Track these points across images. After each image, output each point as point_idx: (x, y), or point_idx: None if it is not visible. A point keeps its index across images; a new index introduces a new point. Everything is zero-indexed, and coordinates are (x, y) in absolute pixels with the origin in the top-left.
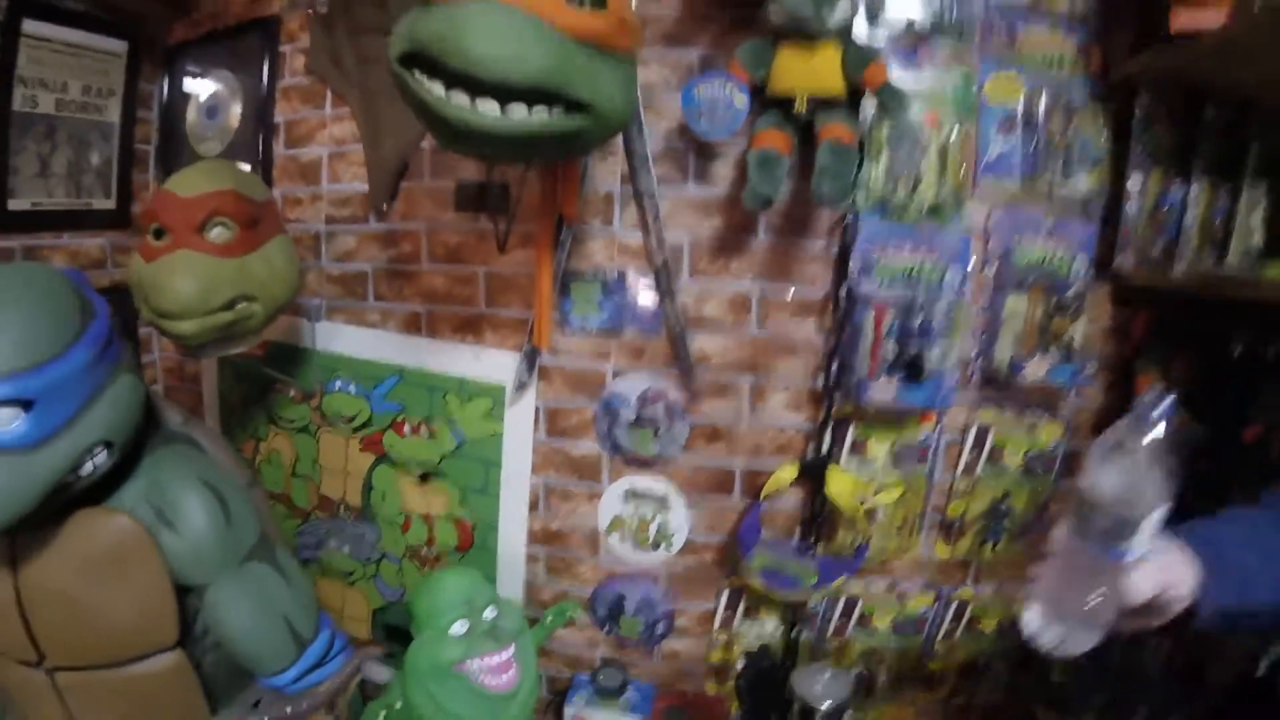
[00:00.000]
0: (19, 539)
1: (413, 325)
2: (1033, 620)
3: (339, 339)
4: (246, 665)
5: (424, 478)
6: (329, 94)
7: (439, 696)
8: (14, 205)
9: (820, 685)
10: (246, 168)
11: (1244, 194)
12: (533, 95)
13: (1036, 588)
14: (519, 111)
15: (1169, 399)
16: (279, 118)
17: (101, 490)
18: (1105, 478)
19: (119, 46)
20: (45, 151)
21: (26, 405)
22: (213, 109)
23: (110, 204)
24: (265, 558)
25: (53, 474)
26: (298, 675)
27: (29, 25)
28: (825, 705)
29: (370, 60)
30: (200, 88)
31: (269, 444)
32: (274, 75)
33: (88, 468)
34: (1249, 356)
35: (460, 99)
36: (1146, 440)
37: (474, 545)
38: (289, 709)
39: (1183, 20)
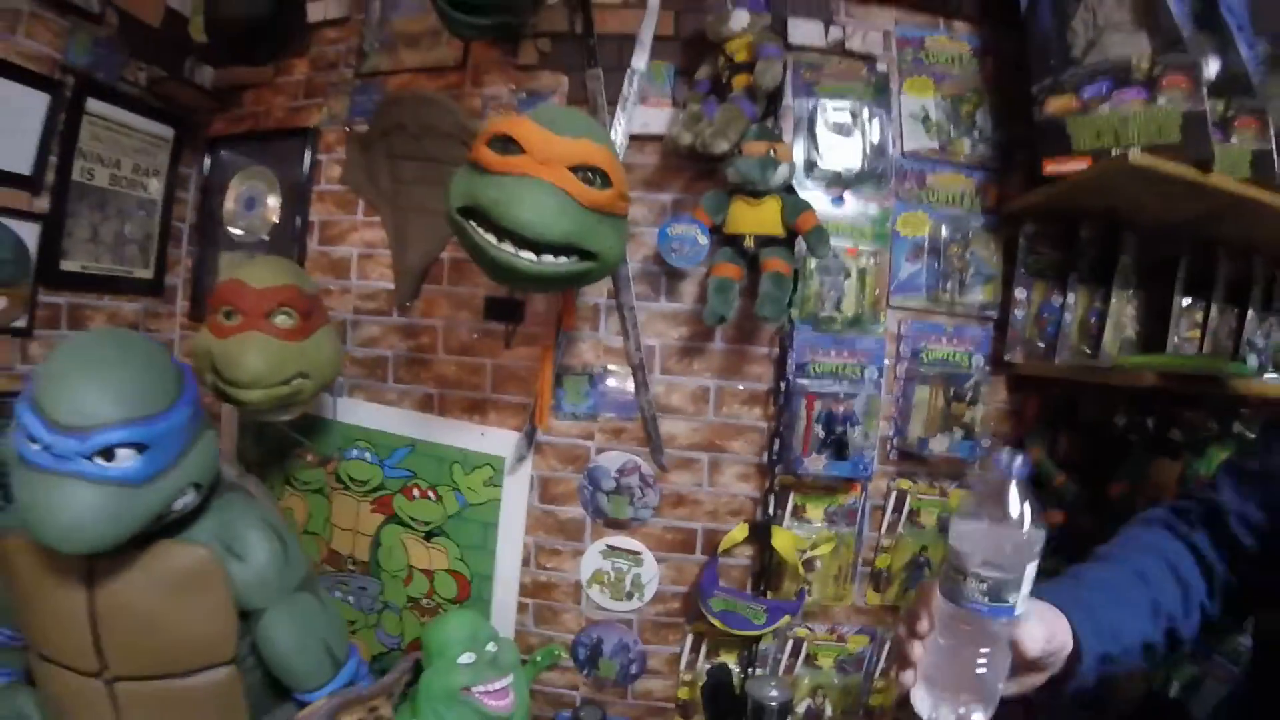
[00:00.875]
0: (98, 562)
1: (426, 405)
2: (922, 701)
3: (359, 413)
4: (290, 682)
5: (428, 536)
6: (361, 202)
7: (447, 718)
8: (65, 265)
9: (769, 688)
10: (288, 264)
11: (1113, 297)
12: (559, 248)
13: (920, 667)
14: (549, 259)
15: (1020, 457)
16: (314, 217)
17: (175, 526)
18: (978, 541)
19: (166, 132)
20: (97, 220)
21: (141, 448)
22: (251, 200)
23: (148, 274)
24: (311, 589)
25: (154, 507)
26: (324, 695)
27: (92, 104)
28: (774, 703)
29: (403, 181)
30: (239, 179)
31: (284, 503)
32: (311, 179)
33: (179, 504)
34: (1116, 429)
35: (508, 248)
36: (1010, 500)
37: (471, 596)
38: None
39: (1052, 167)
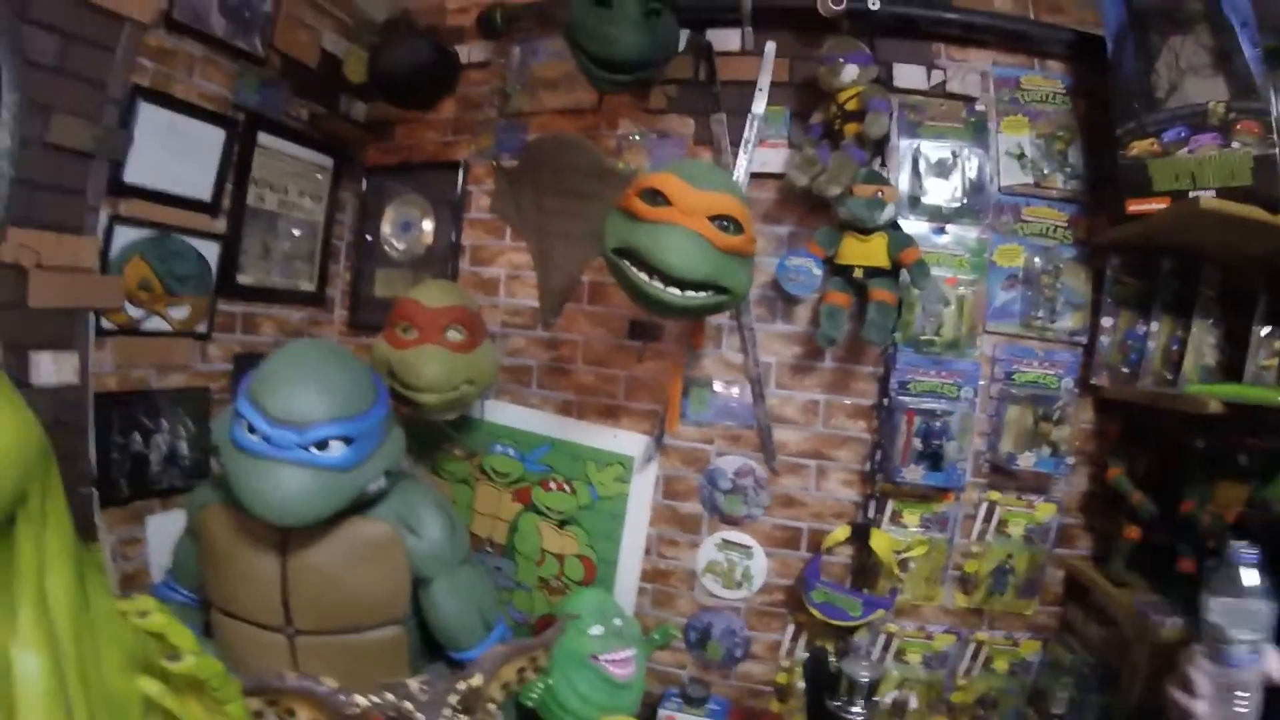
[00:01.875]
0: (293, 534)
1: (565, 409)
2: None
3: (504, 414)
4: (447, 642)
5: (562, 524)
6: (508, 229)
7: (575, 680)
8: (242, 279)
9: (861, 666)
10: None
11: (1193, 327)
12: (699, 285)
13: (1199, 715)
14: (691, 294)
15: (1255, 551)
16: (465, 240)
17: (363, 505)
18: (1233, 625)
19: (326, 161)
20: (267, 239)
21: (348, 441)
22: (407, 224)
23: (311, 286)
24: (473, 563)
25: (356, 489)
26: (480, 654)
27: (263, 137)
28: (865, 679)
29: (547, 213)
30: (395, 204)
31: None
32: (462, 207)
33: (373, 487)
34: (1194, 451)
35: (657, 284)
36: (1250, 592)
37: (596, 578)
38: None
39: (1134, 206)
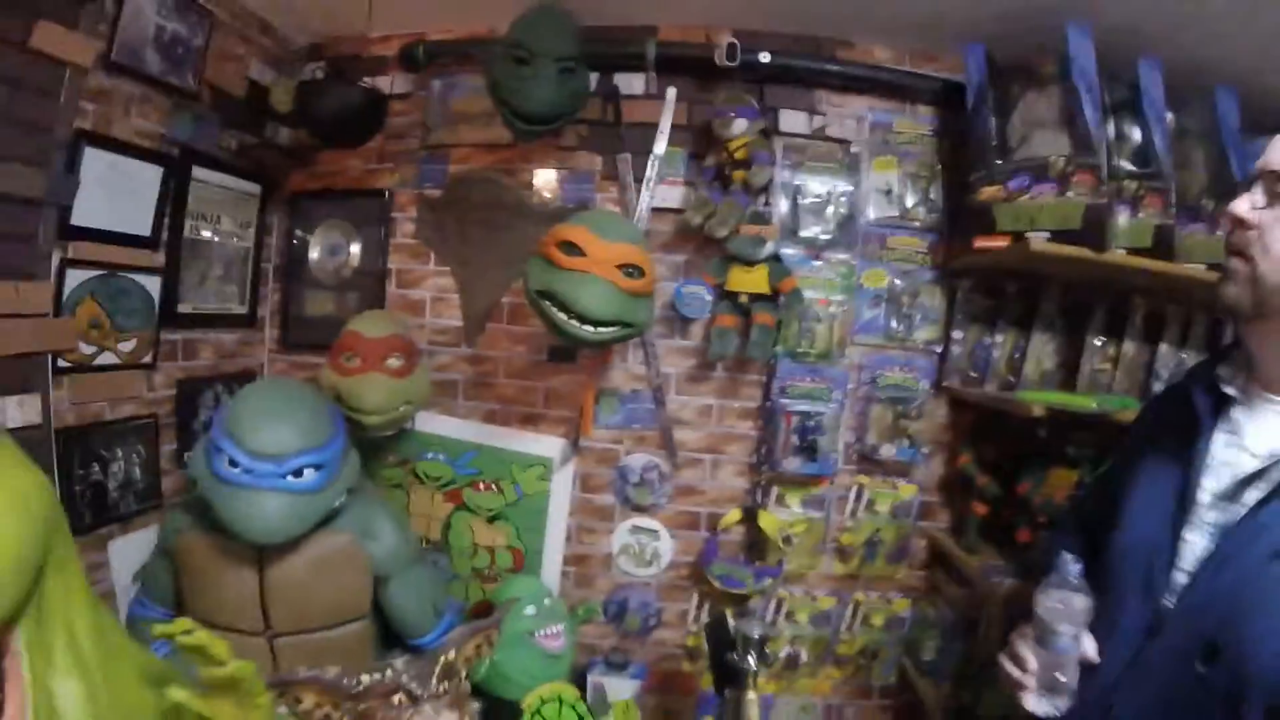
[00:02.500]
0: (267, 550)
1: (490, 418)
2: (1037, 706)
3: (434, 424)
4: (405, 631)
5: (491, 519)
6: (432, 254)
7: (516, 655)
8: (181, 308)
9: (753, 625)
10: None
11: (1034, 338)
12: (610, 322)
13: (1025, 684)
14: (603, 330)
15: (1079, 566)
16: (392, 265)
17: (326, 519)
18: (1059, 621)
19: (254, 188)
20: (203, 268)
21: (318, 467)
22: (334, 248)
23: (244, 309)
24: (423, 561)
25: (326, 507)
26: (434, 638)
27: (196, 170)
28: (756, 635)
29: (470, 242)
30: (322, 229)
31: None
32: (387, 234)
33: (337, 503)
34: (1025, 441)
35: (573, 323)
36: (1077, 597)
37: (525, 566)
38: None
39: (980, 243)
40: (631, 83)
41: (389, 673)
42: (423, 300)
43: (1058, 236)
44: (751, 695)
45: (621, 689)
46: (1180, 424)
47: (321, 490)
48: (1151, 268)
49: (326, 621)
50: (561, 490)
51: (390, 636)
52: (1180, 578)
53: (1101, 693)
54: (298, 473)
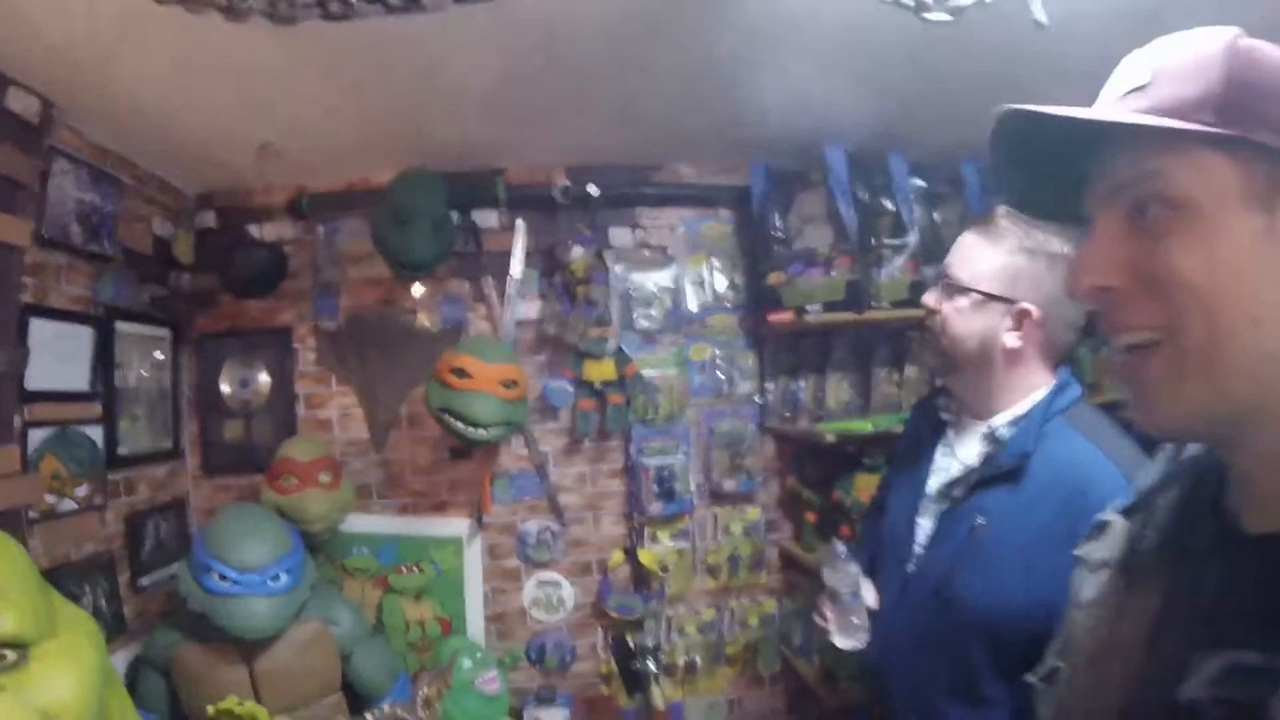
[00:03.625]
0: (254, 648)
1: (404, 510)
2: (844, 643)
3: (356, 523)
4: (369, 695)
5: (417, 597)
6: (334, 378)
7: (464, 702)
8: (120, 450)
9: (646, 636)
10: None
11: (829, 379)
12: (495, 426)
13: (830, 630)
14: (493, 431)
15: (844, 547)
16: (299, 390)
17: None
18: (839, 584)
19: (165, 333)
20: (133, 411)
21: (290, 571)
22: (245, 380)
23: (169, 444)
24: (377, 635)
25: (299, 603)
26: (393, 699)
27: (119, 325)
28: (650, 643)
29: (369, 363)
30: (231, 364)
31: None
32: (292, 363)
33: (305, 599)
34: (835, 459)
35: (470, 429)
36: (848, 566)
37: (453, 630)
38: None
39: (772, 317)
40: (488, 217)
41: (385, 708)
42: (330, 419)
43: (829, 306)
44: (655, 690)
45: (554, 718)
46: (918, 439)
47: (296, 589)
48: (904, 316)
49: (308, 699)
50: (474, 561)
51: (355, 705)
52: (918, 549)
53: (884, 626)
54: (275, 578)
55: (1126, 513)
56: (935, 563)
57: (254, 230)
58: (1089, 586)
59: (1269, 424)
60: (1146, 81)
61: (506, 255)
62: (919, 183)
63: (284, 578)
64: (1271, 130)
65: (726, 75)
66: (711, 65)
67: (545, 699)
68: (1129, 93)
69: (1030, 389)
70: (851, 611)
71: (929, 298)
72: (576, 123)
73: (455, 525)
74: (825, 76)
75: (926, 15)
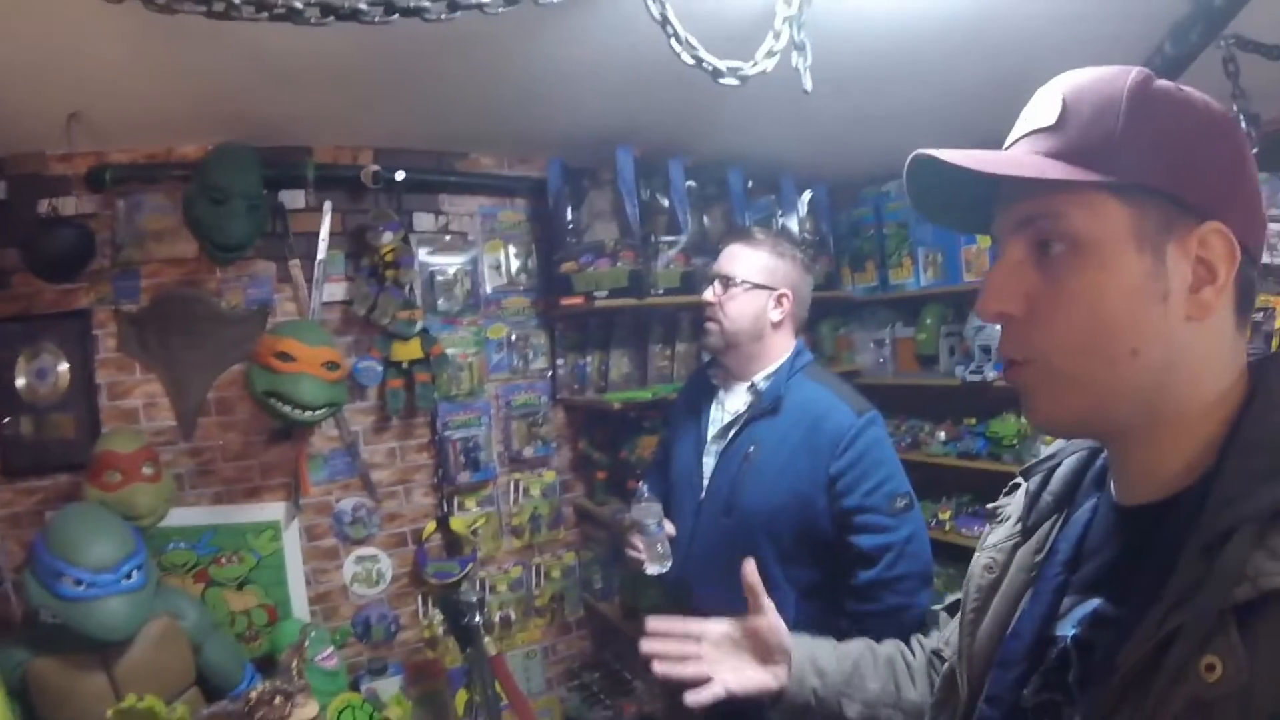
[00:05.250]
0: (110, 652)
1: (218, 499)
2: (653, 570)
3: (170, 517)
4: (224, 684)
5: (240, 586)
6: (138, 364)
7: (309, 679)
8: None
9: (470, 594)
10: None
11: (613, 354)
12: (322, 408)
13: (643, 559)
14: (318, 413)
15: (646, 486)
16: (101, 379)
17: None
18: (646, 517)
19: None
20: None
21: (140, 567)
22: (42, 371)
23: None
24: (220, 629)
25: (151, 597)
26: (246, 686)
27: None
28: (473, 599)
29: (174, 347)
30: (27, 354)
31: None
32: (92, 350)
33: (153, 595)
34: (622, 423)
35: (296, 412)
36: (652, 504)
37: (279, 616)
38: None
39: (564, 301)
40: (294, 198)
41: (263, 685)
42: (136, 408)
43: (614, 292)
44: (487, 640)
45: (388, 688)
46: (695, 401)
47: (146, 585)
48: (678, 302)
49: (170, 696)
50: (293, 544)
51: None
52: (705, 480)
53: (685, 548)
54: (128, 575)
55: (1025, 474)
56: (722, 487)
57: (51, 203)
58: (994, 534)
59: (1138, 434)
60: (1053, 123)
61: (312, 236)
62: (692, 184)
63: (135, 575)
64: (1166, 176)
65: (533, 84)
66: (520, 75)
67: (377, 670)
68: (1038, 131)
69: (780, 354)
70: (658, 540)
71: (709, 294)
72: (387, 107)
73: (271, 510)
74: (616, 97)
75: (721, 80)
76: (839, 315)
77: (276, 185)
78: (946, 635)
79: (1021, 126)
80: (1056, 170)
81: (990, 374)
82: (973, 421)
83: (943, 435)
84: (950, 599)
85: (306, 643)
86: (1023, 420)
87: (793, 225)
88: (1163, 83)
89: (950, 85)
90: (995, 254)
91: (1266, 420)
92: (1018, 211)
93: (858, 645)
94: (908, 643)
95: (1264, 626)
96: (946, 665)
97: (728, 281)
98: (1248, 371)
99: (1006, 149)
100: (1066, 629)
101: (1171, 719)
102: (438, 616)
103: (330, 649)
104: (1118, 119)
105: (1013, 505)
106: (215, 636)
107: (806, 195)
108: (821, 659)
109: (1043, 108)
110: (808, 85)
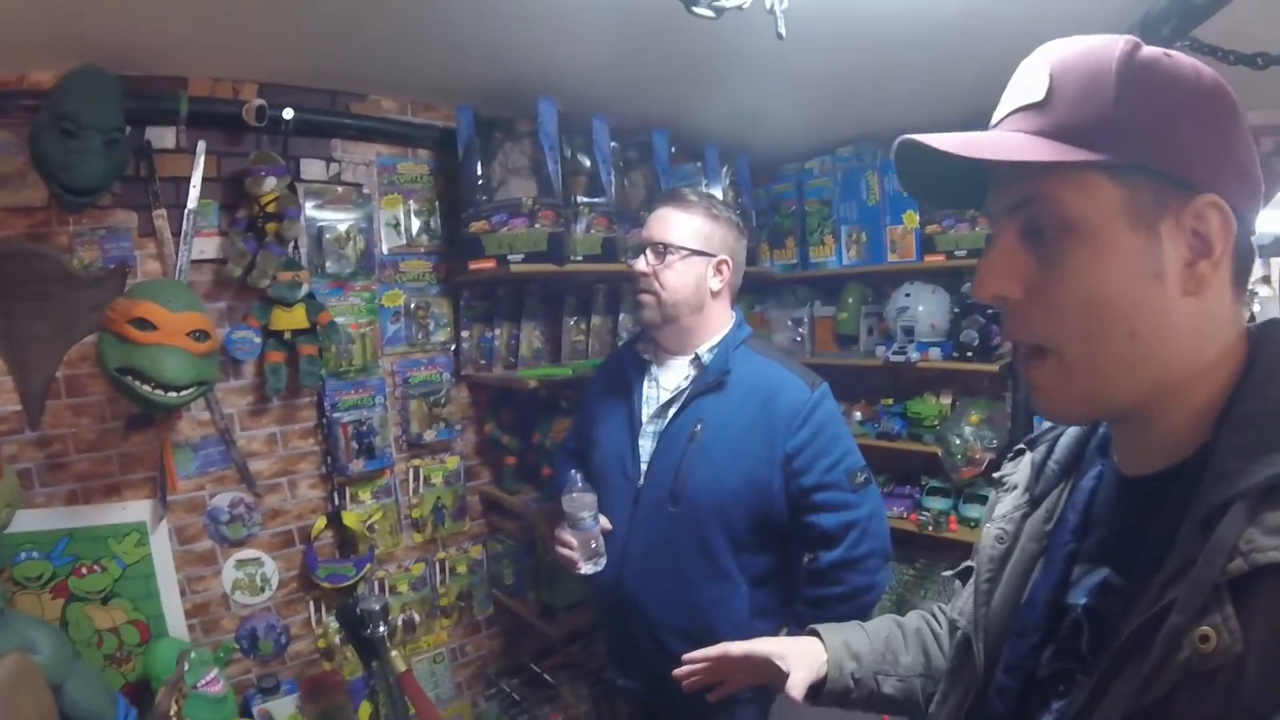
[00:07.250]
0: None
1: (73, 498)
2: (587, 569)
3: (17, 521)
4: None
5: (105, 601)
6: None
7: (191, 709)
8: None
9: (372, 601)
10: None
11: (523, 327)
12: (188, 387)
13: (575, 559)
14: (184, 393)
15: (580, 474)
16: None
17: None
18: (580, 509)
19: None
20: None
21: None
22: None
23: None
24: (82, 659)
25: None
26: None
27: None
28: (377, 606)
29: (15, 318)
30: None
31: None
32: None
33: None
34: (533, 402)
35: (158, 392)
36: (585, 494)
37: (153, 634)
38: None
39: (474, 265)
40: (163, 136)
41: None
42: None
43: (530, 257)
44: (395, 654)
45: (283, 708)
46: (621, 379)
47: None
48: (598, 270)
49: None
50: (162, 549)
51: None
52: (643, 466)
53: (622, 544)
54: None
55: (1030, 444)
56: (664, 472)
57: None
58: (1003, 504)
59: (1140, 413)
60: (1041, 99)
61: (183, 183)
62: (615, 145)
63: None
64: (1159, 152)
65: (447, 20)
66: (434, 8)
67: (268, 689)
68: (1025, 108)
69: (721, 326)
70: (592, 536)
71: (640, 264)
72: (277, 35)
73: (135, 510)
74: (541, 43)
75: (695, 9)
76: (755, 292)
77: (143, 121)
78: (960, 605)
79: (1008, 103)
80: (1046, 151)
81: (914, 355)
82: (890, 402)
83: (859, 416)
84: (962, 565)
85: (186, 667)
86: (942, 401)
87: (718, 195)
88: (1151, 51)
89: (887, 60)
90: (990, 238)
91: (1261, 394)
92: (1009, 194)
93: (885, 622)
94: (931, 612)
95: (1258, 599)
96: (960, 634)
97: (662, 249)
98: (1245, 340)
99: (993, 126)
100: (1078, 597)
101: (1170, 688)
102: (333, 624)
103: (214, 671)
104: (1109, 96)
105: (1019, 473)
106: (77, 670)
107: (727, 167)
108: (854, 642)
109: (1029, 83)
110: (782, 30)
